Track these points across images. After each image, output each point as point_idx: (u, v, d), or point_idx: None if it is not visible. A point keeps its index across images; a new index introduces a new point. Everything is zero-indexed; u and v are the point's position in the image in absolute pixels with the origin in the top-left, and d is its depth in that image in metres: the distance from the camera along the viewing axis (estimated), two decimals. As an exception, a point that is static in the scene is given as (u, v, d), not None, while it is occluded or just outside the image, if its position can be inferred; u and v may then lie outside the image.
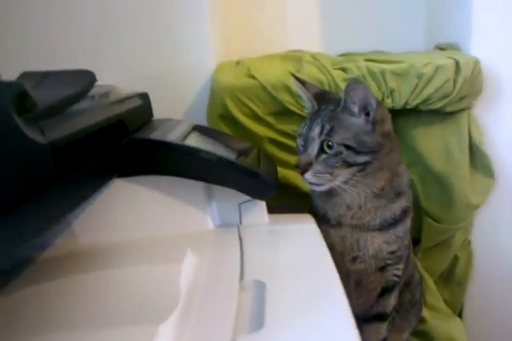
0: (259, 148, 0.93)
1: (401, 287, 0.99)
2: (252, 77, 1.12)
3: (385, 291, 0.95)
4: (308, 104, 0.89)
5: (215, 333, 0.52)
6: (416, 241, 1.24)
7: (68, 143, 0.53)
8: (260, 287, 0.62)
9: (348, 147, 0.80)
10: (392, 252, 0.91)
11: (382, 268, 0.93)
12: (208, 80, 1.23)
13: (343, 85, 1.09)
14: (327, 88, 1.09)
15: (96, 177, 0.63)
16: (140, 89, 1.18)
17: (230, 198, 0.81)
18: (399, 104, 1.10)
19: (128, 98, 0.79)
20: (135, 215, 0.78)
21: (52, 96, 0.63)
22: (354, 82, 0.80)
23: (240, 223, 0.83)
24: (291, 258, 0.71)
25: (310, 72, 1.11)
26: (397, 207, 0.88)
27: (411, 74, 1.09)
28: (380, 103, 0.86)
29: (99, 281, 0.63)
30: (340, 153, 0.79)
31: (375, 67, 1.10)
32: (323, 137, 0.80)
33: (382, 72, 1.09)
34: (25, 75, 0.69)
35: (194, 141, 0.81)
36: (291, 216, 0.87)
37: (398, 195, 0.88)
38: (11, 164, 0.43)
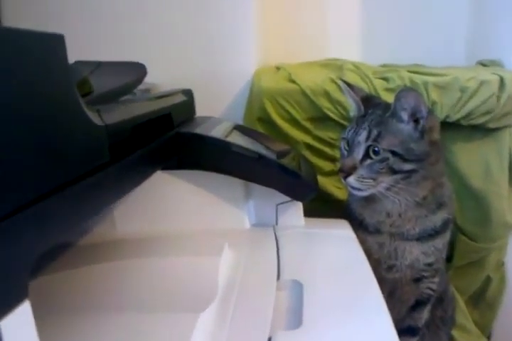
0: (297, 152, 0.92)
1: (434, 302, 0.97)
2: (293, 81, 1.12)
3: (419, 304, 0.93)
4: (354, 108, 0.89)
5: (253, 327, 0.52)
6: (448, 259, 1.21)
7: (122, 129, 0.54)
8: (297, 287, 0.61)
9: (394, 153, 0.79)
10: (429, 264, 0.89)
11: (418, 280, 0.91)
12: (247, 84, 1.24)
13: (384, 94, 1.09)
14: (369, 96, 1.08)
15: (143, 167, 0.64)
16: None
17: (267, 198, 0.81)
18: (440, 116, 1.09)
19: (173, 93, 0.79)
20: (174, 208, 0.78)
21: (107, 84, 0.64)
22: (407, 89, 0.80)
23: (276, 224, 0.82)
24: (328, 260, 0.70)
25: (351, 80, 1.10)
26: (438, 218, 0.87)
27: (454, 87, 1.08)
28: (430, 111, 0.85)
29: (137, 269, 0.63)
30: (387, 159, 0.79)
31: (418, 78, 1.10)
32: (369, 142, 0.80)
33: (425, 84, 1.09)
34: (79, 63, 0.70)
35: (236, 138, 0.81)
36: (327, 220, 0.86)
37: (440, 205, 0.87)
38: (72, 142, 0.43)
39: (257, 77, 1.20)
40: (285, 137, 1.13)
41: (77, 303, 0.55)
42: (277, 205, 0.82)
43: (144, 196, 0.77)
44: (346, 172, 0.79)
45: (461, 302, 1.20)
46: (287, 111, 1.12)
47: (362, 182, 0.79)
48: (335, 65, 1.23)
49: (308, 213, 0.84)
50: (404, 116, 0.80)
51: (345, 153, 0.83)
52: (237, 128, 0.90)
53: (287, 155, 0.86)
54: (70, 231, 0.43)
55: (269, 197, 0.81)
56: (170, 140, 0.73)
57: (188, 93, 0.87)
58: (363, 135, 0.80)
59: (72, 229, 0.44)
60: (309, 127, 1.12)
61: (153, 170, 0.68)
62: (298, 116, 1.12)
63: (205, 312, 0.52)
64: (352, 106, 0.90)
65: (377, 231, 0.87)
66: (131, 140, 0.58)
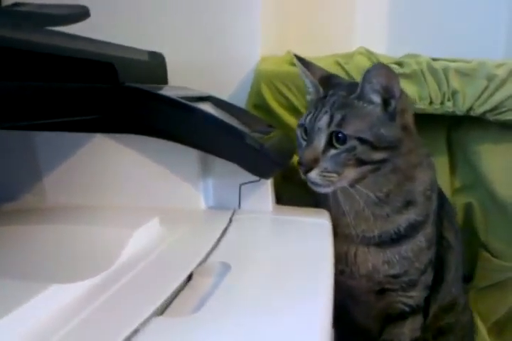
0: (282, 132, 0.79)
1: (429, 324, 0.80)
2: (294, 64, 1.00)
3: (393, 319, 0.76)
4: (311, 90, 0.74)
5: (124, 309, 0.39)
6: (467, 278, 1.03)
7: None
8: (223, 271, 0.47)
9: (363, 141, 0.64)
10: (394, 276, 0.73)
11: (381, 292, 0.75)
12: (251, 72, 1.14)
13: (397, 80, 0.95)
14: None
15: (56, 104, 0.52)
16: (188, 76, 1.12)
17: (229, 177, 0.68)
18: (462, 108, 0.93)
19: (127, 49, 0.68)
20: (114, 180, 0.67)
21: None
22: (378, 66, 0.65)
23: (239, 207, 0.69)
24: (277, 247, 0.56)
25: (359, 63, 0.97)
26: (403, 219, 0.71)
27: (480, 74, 0.92)
28: (403, 91, 0.70)
29: (39, 235, 0.52)
30: (354, 148, 0.64)
31: (438, 63, 0.95)
32: (332, 128, 0.65)
33: (445, 70, 0.94)
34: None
35: (201, 106, 0.69)
36: (306, 209, 0.72)
37: (407, 204, 0.71)
38: None
39: (261, 62, 1.09)
40: (282, 126, 1.00)
41: None
42: (241, 185, 0.69)
43: (81, 162, 0.66)
44: (307, 166, 0.64)
45: (483, 330, 1.01)
46: (286, 97, 0.99)
47: (325, 176, 0.64)
48: (349, 53, 1.10)
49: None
50: (375, 97, 0.66)
51: (303, 142, 0.69)
52: (212, 100, 0.79)
53: (265, 133, 0.73)
54: None
55: (231, 176, 0.68)
56: (105, 91, 0.61)
57: (156, 56, 0.77)
58: (323, 120, 0.66)
59: None
60: (308, 114, 0.99)
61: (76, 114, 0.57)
62: (297, 103, 0.99)
63: (73, 285, 0.39)
64: (308, 89, 0.76)
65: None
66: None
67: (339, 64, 0.98)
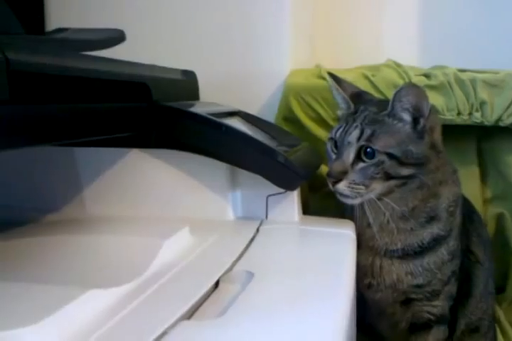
0: (309, 145, 0.82)
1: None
2: (322, 78, 1.02)
3: (417, 328, 0.78)
4: (343, 106, 0.77)
5: (153, 314, 0.42)
6: (500, 290, 1.02)
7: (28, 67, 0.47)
8: (247, 279, 0.50)
9: (391, 156, 0.67)
10: (418, 286, 0.74)
11: (407, 302, 0.76)
12: (281, 86, 1.17)
13: (424, 92, 0.96)
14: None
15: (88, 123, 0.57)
16: (219, 91, 1.16)
17: (256, 188, 0.71)
18: (490, 119, 0.94)
19: (161, 69, 0.73)
20: (149, 192, 0.71)
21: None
22: (408, 86, 0.68)
23: (266, 218, 0.72)
24: (301, 257, 0.59)
25: (386, 76, 0.99)
26: (426, 233, 0.73)
27: (508, 85, 0.93)
28: (433, 109, 0.72)
29: (75, 244, 0.56)
30: (382, 162, 0.67)
31: (465, 74, 0.96)
32: (362, 142, 0.68)
33: (473, 81, 0.94)
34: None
35: (229, 122, 0.73)
36: (332, 220, 0.74)
37: (431, 219, 0.73)
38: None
39: (290, 75, 1.12)
40: (311, 138, 1.02)
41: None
42: (268, 197, 0.72)
43: (118, 176, 0.70)
44: (336, 178, 0.67)
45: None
46: (314, 110, 1.01)
47: (353, 188, 0.67)
48: (377, 65, 1.11)
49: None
50: (405, 116, 0.69)
51: (333, 155, 0.71)
52: (241, 115, 0.82)
53: (291, 146, 0.76)
54: None
55: (259, 188, 0.71)
56: (143, 111, 0.66)
57: (189, 74, 0.81)
58: (353, 134, 0.68)
59: None
60: (337, 127, 1.01)
61: (111, 133, 0.61)
62: (325, 115, 1.01)
63: (108, 291, 0.43)
64: (340, 104, 0.78)
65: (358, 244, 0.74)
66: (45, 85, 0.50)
67: (366, 77, 1.00)
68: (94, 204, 0.71)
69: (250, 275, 0.51)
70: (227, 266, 0.53)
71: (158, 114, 0.68)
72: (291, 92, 1.03)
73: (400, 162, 0.67)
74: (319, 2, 1.31)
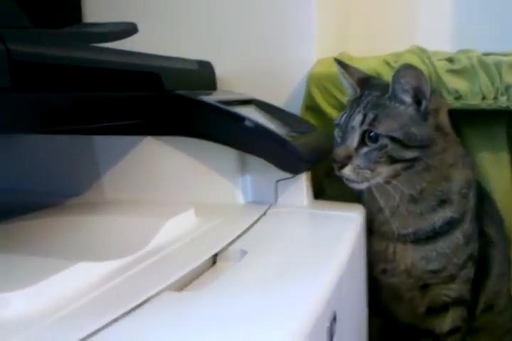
0: (323, 132, 0.83)
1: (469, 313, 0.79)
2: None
3: (435, 310, 0.77)
4: (350, 91, 0.77)
5: (143, 285, 0.44)
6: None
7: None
8: (241, 257, 0.52)
9: (394, 139, 0.66)
10: (434, 272, 0.74)
11: (424, 287, 0.76)
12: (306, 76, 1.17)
13: (446, 76, 0.94)
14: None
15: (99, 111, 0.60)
16: (246, 81, 1.18)
17: (266, 174, 0.73)
18: (516, 105, 0.91)
19: (175, 59, 0.76)
20: (162, 177, 0.74)
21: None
22: (406, 67, 0.68)
23: (275, 202, 0.73)
24: (300, 238, 0.61)
25: (409, 61, 0.97)
26: (438, 217, 0.72)
27: (535, 67, 0.89)
28: (435, 90, 0.72)
29: (82, 224, 0.60)
30: (385, 146, 0.66)
31: (489, 58, 0.93)
32: (365, 126, 0.68)
33: (498, 64, 0.91)
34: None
35: (241, 109, 0.75)
36: (341, 204, 0.75)
37: (442, 202, 0.72)
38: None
39: (315, 64, 1.12)
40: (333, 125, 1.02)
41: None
42: (277, 182, 0.73)
43: (134, 162, 0.74)
44: (340, 163, 0.68)
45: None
46: (335, 97, 1.01)
47: (358, 173, 0.67)
48: (401, 51, 1.10)
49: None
50: (406, 98, 0.68)
51: (339, 140, 0.72)
52: (257, 103, 0.84)
53: (303, 132, 0.77)
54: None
55: (268, 173, 0.73)
56: (151, 98, 0.69)
57: (204, 64, 0.83)
58: (357, 119, 0.68)
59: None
60: (359, 114, 1.00)
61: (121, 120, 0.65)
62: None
63: (96, 263, 0.46)
64: (347, 90, 0.78)
65: (369, 230, 0.74)
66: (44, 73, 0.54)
67: (388, 63, 0.99)
68: (111, 189, 0.75)
69: (244, 253, 0.53)
70: (224, 244, 0.55)
71: (169, 103, 0.71)
72: (313, 81, 1.04)
73: (404, 145, 0.67)
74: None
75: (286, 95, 1.21)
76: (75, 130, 0.70)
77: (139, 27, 0.81)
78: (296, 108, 1.13)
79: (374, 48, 1.24)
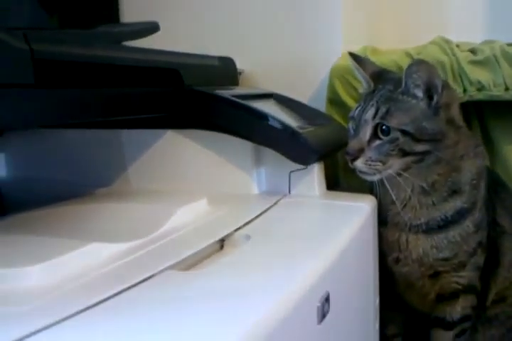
0: (339, 124, 0.85)
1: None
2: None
3: (446, 297, 0.79)
4: (364, 85, 0.79)
5: (148, 264, 0.49)
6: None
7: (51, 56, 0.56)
8: (243, 241, 0.56)
9: (405, 133, 0.68)
10: (445, 259, 0.75)
11: (435, 275, 0.77)
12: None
13: (468, 68, 0.94)
14: (448, 70, 0.95)
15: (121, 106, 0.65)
16: (268, 75, 1.21)
17: (280, 165, 0.76)
18: (541, 98, 0.90)
19: (196, 56, 0.80)
20: (182, 167, 0.79)
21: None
22: (418, 62, 0.69)
23: (289, 192, 0.76)
24: (304, 225, 0.64)
25: (431, 53, 0.98)
26: (449, 207, 0.74)
27: (560, 57, 0.88)
28: (447, 85, 0.73)
29: (106, 211, 0.65)
30: (397, 139, 0.68)
31: (513, 48, 0.92)
32: (377, 120, 0.69)
33: (521, 55, 0.90)
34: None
35: (259, 104, 0.79)
36: (353, 195, 0.77)
37: (453, 193, 0.73)
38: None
39: (340, 58, 1.13)
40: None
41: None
42: (290, 173, 0.76)
43: (157, 154, 0.79)
44: (353, 155, 0.70)
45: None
46: (357, 90, 1.03)
47: (370, 165, 0.69)
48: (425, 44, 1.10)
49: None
50: (418, 92, 0.70)
51: (353, 133, 0.73)
52: (276, 97, 0.87)
53: (318, 125, 0.80)
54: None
55: (282, 164, 0.76)
56: (171, 93, 0.73)
57: (225, 61, 0.87)
58: (370, 112, 0.70)
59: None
60: (381, 107, 1.02)
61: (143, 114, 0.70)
62: (368, 94, 1.02)
63: (106, 244, 0.51)
64: (362, 84, 0.79)
65: (382, 220, 0.76)
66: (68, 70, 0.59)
67: (410, 55, 0.99)
68: (136, 180, 0.81)
69: (248, 238, 0.57)
70: (231, 230, 0.59)
71: (189, 97, 0.75)
72: (335, 74, 1.05)
73: (415, 138, 0.68)
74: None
75: (313, 89, 1.23)
76: (103, 123, 0.75)
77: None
78: (322, 102, 1.15)
79: (407, 40, 1.24)
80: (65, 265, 0.46)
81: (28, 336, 0.34)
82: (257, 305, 0.41)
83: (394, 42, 1.23)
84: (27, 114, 0.52)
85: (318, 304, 0.47)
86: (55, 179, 0.83)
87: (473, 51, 0.97)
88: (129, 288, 0.43)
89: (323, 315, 0.48)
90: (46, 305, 0.40)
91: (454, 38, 1.17)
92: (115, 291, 0.42)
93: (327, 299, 0.49)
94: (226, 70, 0.90)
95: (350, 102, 1.04)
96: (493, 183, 0.81)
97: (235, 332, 0.36)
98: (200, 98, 0.76)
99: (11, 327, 0.36)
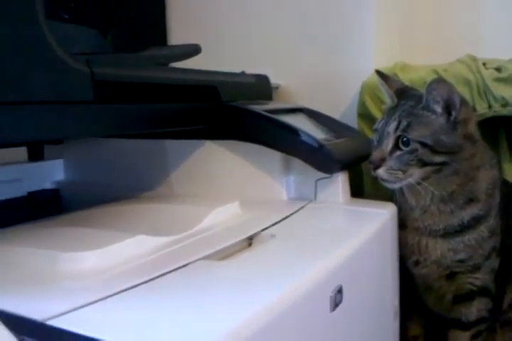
0: (364, 136, 0.92)
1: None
2: (395, 74, 1.10)
3: (461, 299, 0.84)
4: (388, 100, 0.85)
5: (185, 255, 0.57)
6: None
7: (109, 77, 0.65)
8: (268, 240, 0.64)
9: (424, 145, 0.74)
10: (461, 261, 0.81)
11: (451, 276, 0.83)
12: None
13: (493, 85, 0.99)
14: (474, 87, 1.00)
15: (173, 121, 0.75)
16: (303, 90, 1.28)
17: (307, 174, 0.83)
18: None
19: (233, 74, 0.89)
20: (219, 175, 0.87)
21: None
22: (437, 81, 0.75)
23: (315, 199, 0.83)
24: (326, 227, 0.70)
25: (457, 71, 1.03)
26: (466, 214, 0.79)
27: None
28: (465, 102, 0.79)
29: (149, 210, 0.74)
30: (416, 150, 0.74)
31: (539, 66, 0.96)
32: (398, 132, 0.76)
33: (548, 72, 0.95)
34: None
35: (289, 118, 0.86)
36: (375, 202, 0.83)
37: (470, 201, 0.79)
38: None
39: (372, 75, 1.20)
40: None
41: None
42: (316, 181, 0.83)
43: (196, 162, 0.88)
44: (376, 164, 0.76)
45: None
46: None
47: (391, 174, 0.76)
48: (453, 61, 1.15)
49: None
50: (437, 108, 0.76)
51: (376, 144, 0.80)
52: (306, 112, 0.95)
53: (344, 137, 0.87)
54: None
55: (309, 173, 0.83)
56: (210, 108, 0.82)
57: (260, 78, 0.95)
58: (392, 125, 0.77)
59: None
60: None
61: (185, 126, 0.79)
62: (397, 110, 1.08)
63: (149, 237, 0.59)
64: (386, 99, 0.86)
65: (402, 225, 0.83)
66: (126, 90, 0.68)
67: (437, 72, 1.05)
68: (178, 185, 0.90)
69: (273, 237, 0.64)
70: (259, 229, 0.66)
71: (226, 112, 0.84)
72: (366, 90, 1.12)
73: (433, 150, 0.74)
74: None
75: (345, 104, 1.29)
76: (150, 134, 0.85)
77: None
78: (354, 116, 1.22)
79: (439, 56, 1.29)
80: (116, 252, 0.54)
81: (82, 306, 0.43)
82: (276, 289, 0.48)
83: (427, 58, 1.28)
84: (86, 125, 0.62)
85: (331, 294, 0.54)
86: (107, 183, 0.93)
87: (498, 69, 1.01)
88: (167, 272, 0.52)
89: (335, 304, 0.55)
90: (98, 283, 0.49)
91: (487, 55, 1.22)
92: (156, 275, 0.50)
93: (340, 291, 0.56)
94: (261, 86, 0.98)
95: (379, 116, 1.10)
96: (509, 191, 0.85)
97: (255, 309, 0.44)
98: (235, 112, 0.84)
99: (70, 298, 0.45)
